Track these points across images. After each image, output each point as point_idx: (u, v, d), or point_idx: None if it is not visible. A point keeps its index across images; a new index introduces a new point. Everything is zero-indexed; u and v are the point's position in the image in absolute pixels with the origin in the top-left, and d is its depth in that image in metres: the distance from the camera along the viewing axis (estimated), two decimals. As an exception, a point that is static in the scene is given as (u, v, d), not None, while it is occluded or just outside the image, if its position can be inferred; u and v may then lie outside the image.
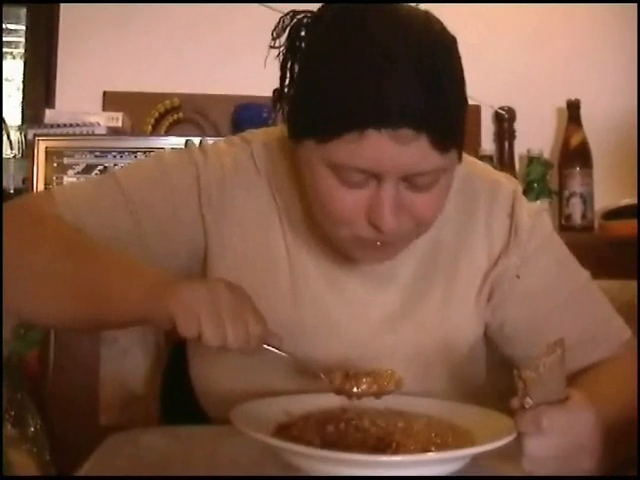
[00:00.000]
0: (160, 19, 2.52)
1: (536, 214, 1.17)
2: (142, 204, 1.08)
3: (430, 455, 0.78)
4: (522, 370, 0.84)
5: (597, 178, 2.47)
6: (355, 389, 0.94)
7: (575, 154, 2.45)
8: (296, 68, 1.01)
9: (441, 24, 0.96)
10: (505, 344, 1.17)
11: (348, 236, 1.00)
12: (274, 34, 1.02)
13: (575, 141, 2.46)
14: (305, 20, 1.01)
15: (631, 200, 2.42)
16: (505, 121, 2.54)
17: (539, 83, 2.57)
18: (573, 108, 2.48)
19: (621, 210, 2.38)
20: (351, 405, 0.98)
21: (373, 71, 0.89)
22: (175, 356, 1.41)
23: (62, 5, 2.50)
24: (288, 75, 1.02)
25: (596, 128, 2.49)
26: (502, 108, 2.54)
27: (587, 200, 2.43)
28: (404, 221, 0.97)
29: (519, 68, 2.56)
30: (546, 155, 2.51)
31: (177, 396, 1.31)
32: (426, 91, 0.89)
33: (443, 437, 0.87)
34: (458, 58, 0.95)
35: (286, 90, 1.03)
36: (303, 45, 1.01)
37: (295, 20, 1.02)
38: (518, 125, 2.55)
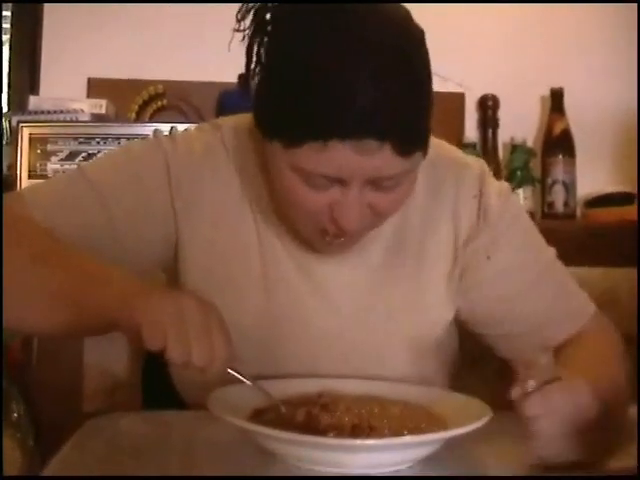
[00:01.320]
0: (145, 7, 2.50)
1: (504, 194, 1.17)
2: (113, 197, 1.07)
3: (402, 439, 0.80)
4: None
5: (580, 166, 2.48)
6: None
7: (558, 142, 2.46)
8: (262, 52, 1.00)
9: (408, 21, 0.95)
10: (477, 325, 1.19)
11: (310, 229, 1.02)
12: (238, 16, 1.00)
13: (558, 129, 2.46)
14: (270, 4, 1.00)
15: (613, 188, 2.44)
16: (489, 109, 2.55)
17: (523, 71, 2.57)
18: (556, 96, 2.49)
19: (603, 198, 2.40)
20: (329, 390, 1.00)
21: (336, 82, 0.88)
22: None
23: (46, -8, 2.50)
24: (254, 59, 1.01)
25: (579, 116, 2.49)
26: (486, 96, 2.55)
27: (569, 188, 2.43)
28: (366, 217, 0.98)
29: (503, 56, 2.56)
30: (529, 143, 2.52)
31: (158, 383, 1.31)
32: (389, 101, 0.89)
33: (417, 422, 0.88)
34: (424, 54, 0.95)
35: (252, 74, 1.01)
36: (269, 29, 0.99)
37: (259, 4, 1.00)
38: (502, 113, 2.55)
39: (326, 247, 1.05)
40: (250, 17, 1.00)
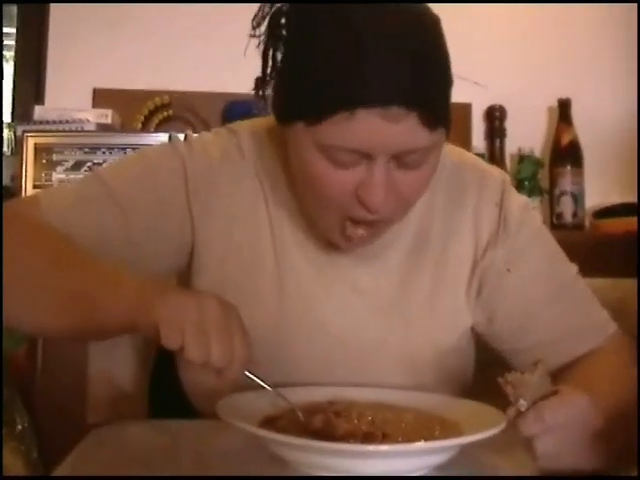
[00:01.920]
0: (150, 17, 2.51)
1: (525, 207, 1.16)
2: (129, 203, 1.06)
3: (416, 445, 0.77)
4: (506, 375, 0.84)
5: (588, 177, 2.47)
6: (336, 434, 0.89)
7: (566, 153, 2.45)
8: (278, 56, 1.00)
9: (424, 5, 0.96)
10: (494, 339, 1.17)
11: (334, 218, 1.00)
12: (254, 23, 1.01)
13: (566, 140, 2.46)
14: (284, 8, 1.00)
15: (622, 198, 2.42)
16: (496, 119, 2.54)
17: (530, 82, 2.57)
18: (564, 107, 2.48)
19: (612, 209, 2.39)
20: (339, 398, 0.98)
21: (360, 50, 0.88)
22: (163, 352, 1.40)
23: (52, 4, 2.49)
24: (270, 63, 1.01)
25: (587, 127, 2.49)
26: (493, 106, 2.54)
27: (578, 198, 2.42)
28: (391, 200, 0.96)
29: (510, 66, 2.56)
30: (537, 153, 2.51)
31: (165, 393, 1.29)
32: (415, 69, 0.89)
33: (430, 429, 0.86)
34: (443, 37, 0.95)
35: (268, 78, 1.02)
36: (284, 32, 1.00)
37: (275, 8, 1.01)
38: (509, 123, 2.55)
39: (346, 242, 1.03)
40: (266, 22, 1.01)
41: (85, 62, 2.49)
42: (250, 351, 0.87)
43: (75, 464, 0.86)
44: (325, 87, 0.90)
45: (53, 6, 2.49)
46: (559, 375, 1.04)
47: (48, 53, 2.51)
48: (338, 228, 1.01)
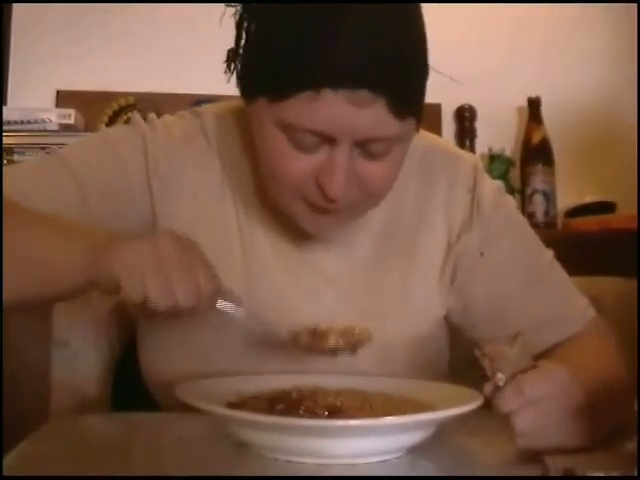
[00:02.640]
0: (114, 18, 2.47)
1: (498, 191, 1.13)
2: (89, 179, 1.03)
3: (388, 419, 0.73)
4: (483, 346, 0.80)
5: (559, 175, 2.46)
6: (327, 345, 0.90)
7: (537, 151, 2.44)
8: (252, 28, 0.96)
9: None
10: (469, 327, 1.13)
11: (296, 203, 0.96)
12: None
13: (536, 138, 2.44)
14: None
15: (592, 197, 2.41)
16: (466, 120, 2.52)
17: (499, 81, 2.55)
18: (534, 105, 2.47)
19: (584, 207, 2.38)
20: (304, 385, 0.94)
21: (332, 29, 0.85)
22: (126, 354, 1.36)
23: (15, 3, 2.45)
24: (244, 35, 0.97)
25: (557, 126, 2.48)
26: (462, 107, 2.52)
27: (549, 197, 2.41)
28: (353, 189, 0.93)
29: (479, 66, 2.54)
30: (508, 153, 2.50)
31: (128, 393, 1.25)
32: (387, 53, 0.86)
33: (403, 410, 0.82)
34: (422, 22, 0.92)
35: (241, 50, 0.98)
36: (255, 9, 0.95)
37: None
38: (479, 123, 2.54)
39: (313, 226, 1.00)
40: None
41: (48, 64, 2.44)
42: (217, 282, 0.85)
43: (27, 451, 0.81)
44: (292, 63, 0.87)
45: (15, 6, 2.44)
46: (538, 358, 1.01)
47: (10, 55, 2.45)
48: (302, 214, 0.98)
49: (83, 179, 1.03)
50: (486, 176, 1.14)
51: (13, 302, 0.93)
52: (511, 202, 1.16)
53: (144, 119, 1.10)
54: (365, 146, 0.90)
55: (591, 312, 1.12)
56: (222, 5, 0.98)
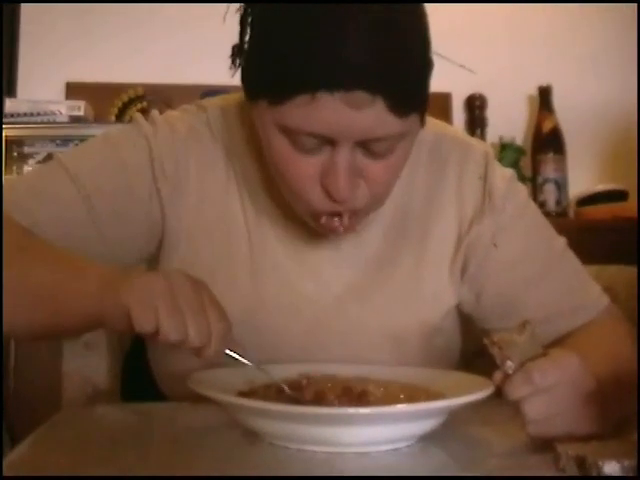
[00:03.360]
0: (123, 9, 2.48)
1: (510, 179, 1.12)
2: (93, 187, 1.01)
3: (399, 407, 0.73)
4: (492, 335, 0.80)
5: (570, 164, 2.45)
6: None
7: (547, 140, 2.43)
8: (253, 28, 0.95)
9: None
10: (482, 317, 1.12)
11: (304, 208, 0.95)
12: None
13: (547, 127, 2.43)
14: None
15: (604, 185, 2.40)
16: (476, 108, 2.51)
17: (509, 70, 2.54)
18: (544, 94, 2.46)
19: (595, 195, 2.37)
20: (316, 373, 0.93)
21: (325, 31, 0.83)
22: (136, 343, 1.36)
23: (23, -3, 2.46)
24: (248, 30, 0.95)
25: (568, 114, 2.47)
26: (473, 95, 2.51)
27: (561, 186, 2.40)
28: (359, 190, 0.92)
29: (489, 55, 2.53)
30: (518, 142, 2.49)
31: (138, 384, 1.25)
32: (382, 52, 0.83)
33: (414, 398, 0.81)
34: (422, 15, 0.89)
35: (245, 46, 0.96)
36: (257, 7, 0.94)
37: None
38: (490, 112, 2.53)
39: (321, 228, 0.98)
40: None
41: (58, 56, 2.45)
42: (228, 325, 0.83)
43: (38, 441, 0.81)
44: (288, 67, 0.85)
45: (25, -2, 2.45)
46: (550, 346, 1.00)
47: (20, 47, 2.46)
48: (309, 215, 0.97)
49: (88, 190, 1.01)
50: (497, 164, 1.13)
51: (24, 334, 0.93)
52: (523, 190, 1.14)
53: (146, 117, 1.08)
54: (367, 145, 0.89)
55: (604, 300, 1.11)
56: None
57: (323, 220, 0.95)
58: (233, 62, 0.98)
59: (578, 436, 0.77)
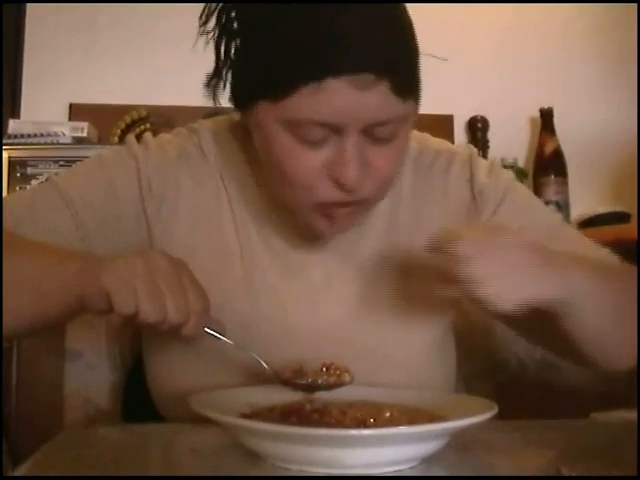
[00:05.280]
0: (127, 31, 2.49)
1: (494, 169, 1.13)
2: (83, 205, 1.04)
3: (402, 429, 0.72)
4: None
5: (572, 186, 2.45)
6: (304, 381, 0.89)
7: (549, 162, 2.43)
8: (232, 47, 0.97)
9: None
10: None
11: (309, 204, 0.96)
12: (202, 18, 0.97)
13: (549, 149, 2.44)
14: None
15: (605, 208, 2.40)
16: (478, 130, 2.52)
17: (511, 92, 2.55)
18: (546, 116, 2.47)
19: (597, 217, 2.36)
20: (318, 397, 0.93)
21: (327, 17, 0.86)
22: (136, 366, 1.35)
23: (28, 17, 2.47)
24: (222, 57, 0.97)
25: (570, 136, 2.47)
26: (475, 117, 2.52)
27: (563, 208, 2.40)
28: (366, 179, 0.93)
29: (491, 77, 2.55)
30: (520, 164, 2.50)
31: (138, 405, 1.24)
32: (384, 35, 0.87)
33: (416, 421, 0.81)
34: (406, 9, 0.93)
35: (222, 70, 0.98)
36: (235, 26, 0.96)
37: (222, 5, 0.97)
38: (491, 134, 2.53)
39: (328, 228, 0.99)
40: (214, 18, 0.97)
41: (61, 77, 2.47)
42: (206, 304, 0.86)
43: (40, 462, 0.81)
44: (290, 59, 0.87)
45: (29, 20, 2.47)
46: None
47: (24, 68, 2.47)
48: (315, 214, 0.97)
49: (77, 207, 1.03)
50: (481, 161, 1.13)
51: (12, 329, 0.93)
52: (507, 174, 1.16)
53: (139, 139, 1.10)
54: (372, 132, 0.90)
55: (613, 258, 1.11)
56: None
57: (325, 215, 0.96)
58: (207, 88, 0.99)
59: (528, 298, 0.81)
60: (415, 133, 1.12)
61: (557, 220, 1.14)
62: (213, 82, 0.99)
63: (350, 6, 0.86)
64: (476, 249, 0.80)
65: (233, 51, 0.97)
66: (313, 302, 1.07)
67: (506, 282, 0.81)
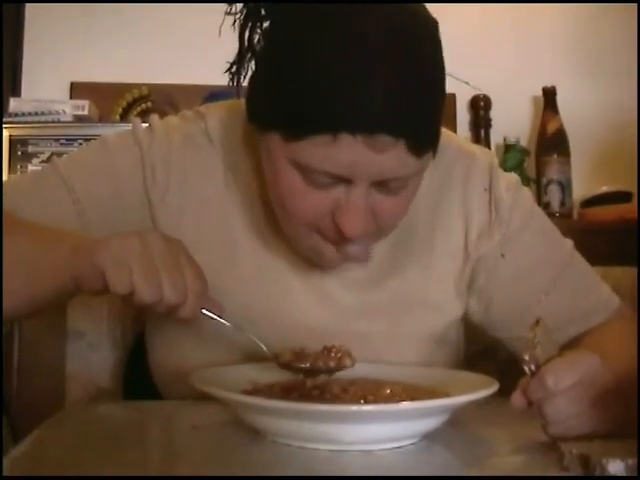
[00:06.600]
0: (128, 9, 2.47)
1: (515, 187, 1.10)
2: (85, 192, 1.01)
3: (403, 405, 0.72)
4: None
5: (574, 165, 2.44)
6: (304, 365, 0.87)
7: (552, 141, 2.42)
8: (255, 38, 0.93)
9: (422, 11, 0.88)
10: (492, 327, 1.11)
11: (307, 239, 0.94)
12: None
13: (552, 128, 2.43)
14: None
15: (608, 187, 2.39)
16: (480, 109, 2.51)
17: (514, 71, 2.54)
18: (549, 95, 2.45)
19: (599, 197, 2.36)
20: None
21: (350, 71, 0.81)
22: (137, 345, 1.35)
23: (27, -5, 2.46)
24: (246, 45, 0.94)
25: (572, 115, 2.46)
26: (477, 96, 2.51)
27: (565, 187, 2.39)
28: (371, 226, 0.91)
29: (493, 56, 2.53)
30: (523, 143, 2.48)
31: (139, 384, 1.24)
32: (405, 95, 0.82)
33: (417, 397, 0.81)
34: (438, 47, 0.88)
35: (245, 61, 0.95)
36: (262, 12, 0.93)
37: None
38: (494, 113, 2.52)
39: (321, 261, 0.97)
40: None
41: (62, 55, 2.45)
42: (204, 284, 0.84)
43: (41, 437, 0.81)
44: (309, 104, 0.83)
45: (29, -2, 2.45)
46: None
47: (25, 46, 2.46)
48: (310, 248, 0.95)
49: (79, 194, 1.01)
50: (501, 173, 1.10)
51: (8, 310, 0.92)
52: (528, 197, 1.12)
53: (145, 121, 1.07)
54: (383, 184, 0.88)
55: (615, 300, 1.11)
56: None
57: (324, 252, 0.94)
58: (231, 80, 0.96)
59: (599, 434, 0.76)
60: None
61: (568, 252, 1.11)
62: (234, 69, 0.96)
63: (376, 63, 0.81)
64: (546, 391, 0.76)
65: (254, 50, 0.93)
66: (326, 291, 1.05)
67: (578, 422, 0.77)
